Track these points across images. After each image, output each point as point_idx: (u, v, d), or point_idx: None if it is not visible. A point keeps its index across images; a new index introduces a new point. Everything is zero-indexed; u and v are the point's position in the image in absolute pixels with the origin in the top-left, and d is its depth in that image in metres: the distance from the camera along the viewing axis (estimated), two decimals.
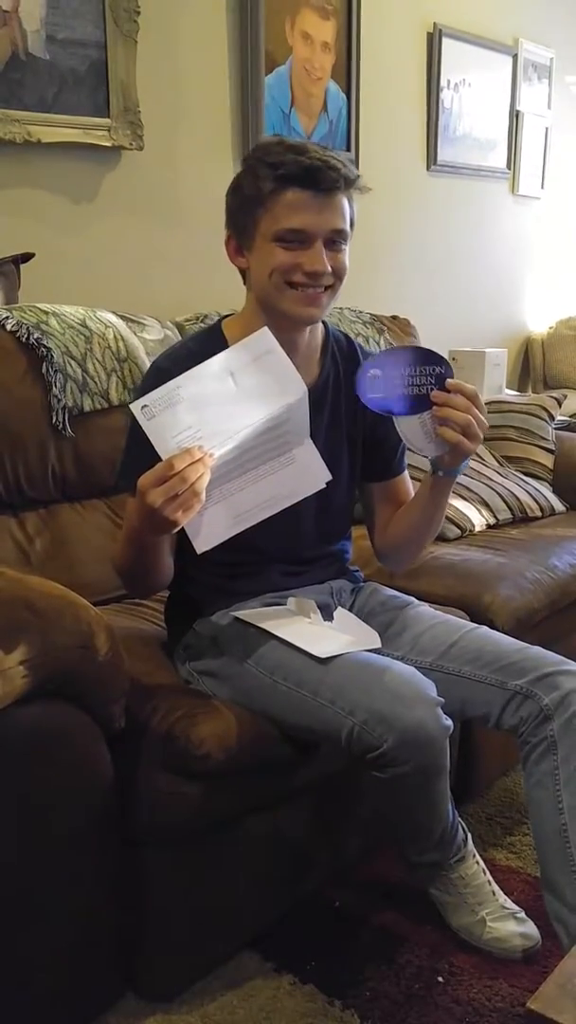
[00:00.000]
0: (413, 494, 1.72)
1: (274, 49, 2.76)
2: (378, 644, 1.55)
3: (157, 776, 1.43)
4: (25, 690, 1.24)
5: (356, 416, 1.66)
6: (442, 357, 1.48)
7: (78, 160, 2.32)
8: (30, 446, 1.90)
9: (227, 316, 1.65)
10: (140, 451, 1.38)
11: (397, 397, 1.46)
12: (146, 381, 1.56)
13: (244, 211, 1.49)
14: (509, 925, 1.65)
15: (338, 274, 1.49)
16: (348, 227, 1.50)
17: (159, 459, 1.33)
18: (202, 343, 1.57)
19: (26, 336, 1.91)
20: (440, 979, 1.60)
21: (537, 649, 1.58)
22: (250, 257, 1.51)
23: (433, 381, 1.46)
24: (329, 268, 1.47)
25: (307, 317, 1.52)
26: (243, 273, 1.56)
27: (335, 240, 1.48)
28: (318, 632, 1.54)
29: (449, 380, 1.46)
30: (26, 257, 2.13)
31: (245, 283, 1.57)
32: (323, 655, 1.45)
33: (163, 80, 2.49)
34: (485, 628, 1.66)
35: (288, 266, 1.46)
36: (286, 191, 1.44)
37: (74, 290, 2.29)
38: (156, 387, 1.37)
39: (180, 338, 2.24)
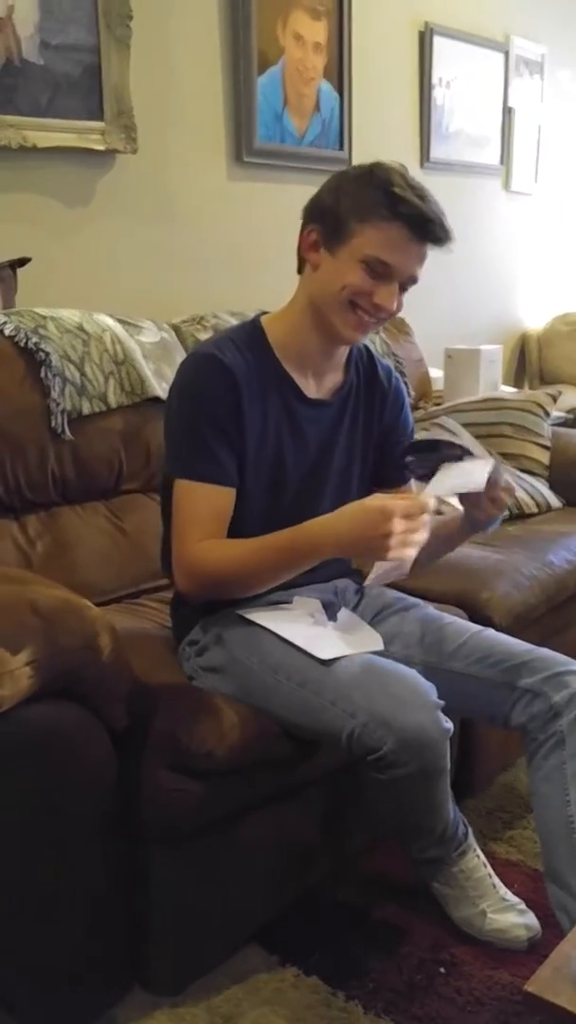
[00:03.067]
0: None
1: (266, 50, 2.77)
2: (380, 647, 1.56)
3: (161, 773, 1.45)
4: (31, 690, 1.26)
5: (372, 424, 1.72)
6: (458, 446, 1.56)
7: (73, 164, 2.34)
8: (30, 450, 1.92)
9: (264, 313, 1.66)
10: (204, 441, 1.50)
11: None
12: (199, 367, 1.54)
13: (345, 217, 1.50)
14: (510, 917, 1.67)
15: (394, 314, 1.56)
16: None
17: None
18: (245, 336, 1.59)
19: (24, 341, 1.92)
20: (442, 970, 1.62)
21: (545, 650, 1.61)
22: (327, 260, 1.53)
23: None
24: (393, 308, 1.54)
25: (351, 341, 1.60)
26: (301, 264, 1.58)
27: (407, 284, 1.54)
28: (321, 633, 1.56)
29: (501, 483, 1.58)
30: (23, 262, 2.14)
31: (300, 273, 1.60)
32: (325, 657, 1.47)
33: (156, 83, 2.51)
34: (492, 630, 1.69)
35: (361, 290, 1.51)
36: (395, 225, 1.48)
37: (71, 294, 2.31)
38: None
39: (176, 340, 2.27)
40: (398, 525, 1.33)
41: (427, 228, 1.48)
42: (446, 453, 1.53)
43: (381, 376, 1.72)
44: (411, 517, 1.35)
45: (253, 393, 1.55)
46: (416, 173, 3.55)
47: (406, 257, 1.50)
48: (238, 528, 1.58)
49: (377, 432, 1.73)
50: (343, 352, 1.67)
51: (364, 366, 1.72)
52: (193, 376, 1.55)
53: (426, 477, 1.53)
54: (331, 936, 1.70)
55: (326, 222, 1.52)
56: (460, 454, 1.53)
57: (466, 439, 1.56)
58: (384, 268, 1.49)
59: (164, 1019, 1.53)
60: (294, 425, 1.61)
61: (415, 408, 2.94)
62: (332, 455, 1.67)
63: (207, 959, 1.62)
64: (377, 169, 1.51)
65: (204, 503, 1.53)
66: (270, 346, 1.60)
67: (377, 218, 1.48)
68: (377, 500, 1.38)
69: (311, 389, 1.63)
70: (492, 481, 1.54)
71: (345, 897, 1.80)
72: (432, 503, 1.41)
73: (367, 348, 1.75)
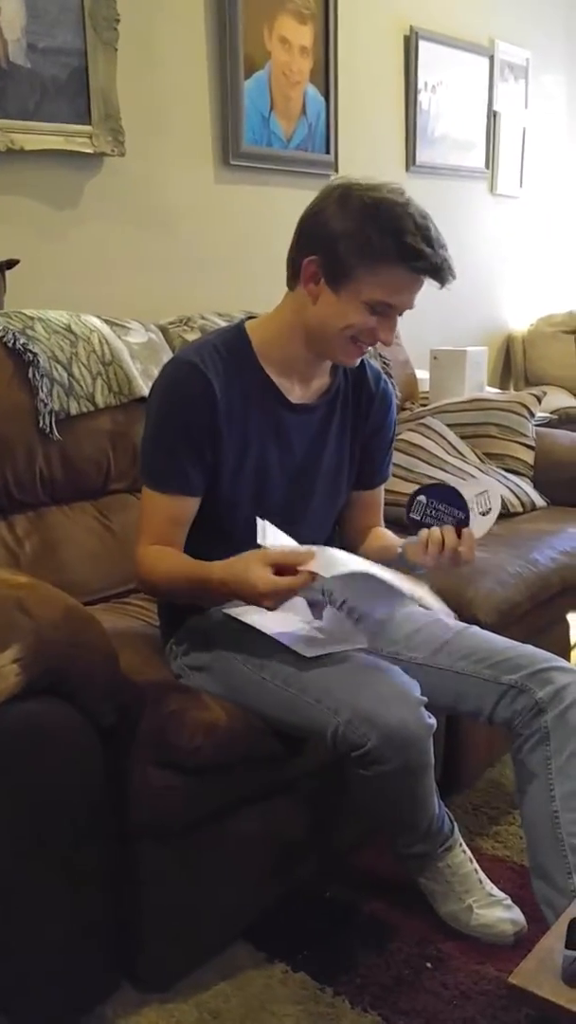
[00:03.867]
0: (382, 505, 1.83)
1: (253, 54, 2.79)
2: (365, 644, 1.58)
3: (149, 770, 1.46)
4: (18, 688, 1.27)
5: (357, 427, 1.74)
6: (465, 504, 1.56)
7: (61, 167, 2.35)
8: (18, 450, 1.93)
9: (250, 318, 1.67)
10: (171, 450, 1.53)
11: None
12: (177, 374, 1.55)
13: (349, 260, 1.47)
14: (496, 912, 1.68)
15: None
16: None
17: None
18: (227, 342, 1.60)
19: (12, 341, 1.93)
20: (428, 965, 1.64)
21: (529, 647, 1.62)
22: (328, 295, 1.51)
23: (454, 524, 1.56)
24: (393, 338, 1.57)
25: (351, 364, 1.64)
26: (292, 280, 1.56)
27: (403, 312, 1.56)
28: (307, 631, 1.57)
29: (467, 534, 1.55)
30: (11, 264, 2.15)
31: (291, 288, 1.57)
32: (309, 655, 1.48)
33: (143, 87, 2.52)
34: (476, 628, 1.71)
35: (367, 329, 1.53)
36: (408, 272, 1.48)
37: (59, 295, 2.32)
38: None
39: (164, 341, 2.28)
40: (264, 599, 1.40)
41: (437, 272, 1.49)
42: (445, 516, 1.56)
43: (369, 378, 1.73)
44: (275, 595, 1.40)
45: (233, 402, 1.56)
46: (401, 177, 3.62)
47: (407, 295, 1.52)
48: (228, 534, 1.60)
49: (361, 434, 1.74)
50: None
51: (351, 368, 1.72)
52: (168, 383, 1.56)
53: (423, 525, 1.57)
54: (319, 932, 1.71)
55: (327, 259, 1.49)
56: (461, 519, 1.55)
57: (478, 489, 1.59)
58: (387, 308, 1.51)
59: (153, 1015, 1.54)
60: (279, 432, 1.63)
61: (401, 409, 2.96)
62: (320, 459, 1.68)
63: (196, 956, 1.63)
64: (383, 206, 1.46)
65: (161, 510, 1.57)
66: (254, 353, 1.60)
67: (385, 266, 1.47)
68: (252, 573, 1.40)
69: (296, 394, 1.64)
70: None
71: (333, 893, 1.81)
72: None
73: None
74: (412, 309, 1.56)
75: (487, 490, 1.60)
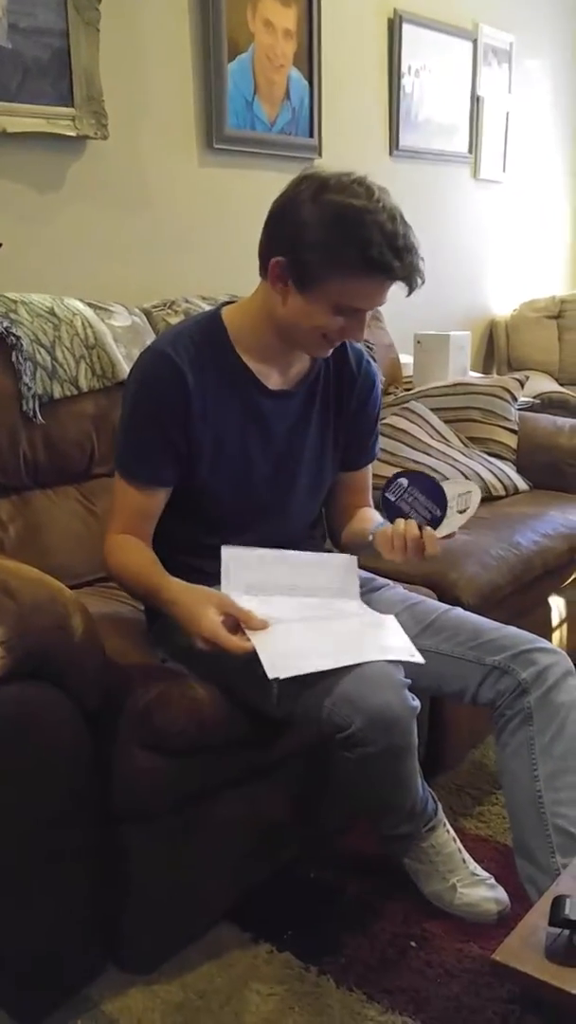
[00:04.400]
0: (370, 485, 1.83)
1: (236, 37, 2.77)
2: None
3: (134, 753, 1.46)
4: (3, 671, 1.27)
5: (341, 410, 1.73)
6: (445, 503, 1.54)
7: (43, 150, 2.33)
8: (1, 434, 1.92)
9: (227, 303, 1.66)
10: (141, 442, 1.54)
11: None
12: (149, 364, 1.56)
13: (315, 267, 1.46)
14: (479, 891, 1.70)
15: None
16: None
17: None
18: (202, 330, 1.59)
19: None
20: (413, 944, 1.65)
21: (513, 628, 1.64)
22: (296, 297, 1.50)
23: (427, 517, 1.54)
24: (363, 335, 1.57)
25: (322, 356, 1.63)
26: (263, 269, 1.53)
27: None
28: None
29: (428, 533, 1.52)
30: None
31: (263, 277, 1.55)
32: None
33: (126, 69, 2.50)
34: (460, 610, 1.72)
35: (335, 331, 1.53)
36: (374, 281, 1.47)
37: (41, 279, 2.30)
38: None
39: (147, 325, 2.27)
40: (200, 640, 1.43)
41: (404, 280, 1.48)
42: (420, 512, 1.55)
43: (351, 359, 1.73)
44: (211, 642, 1.41)
45: (207, 391, 1.56)
46: (385, 162, 3.60)
47: (377, 299, 1.52)
48: (212, 522, 1.61)
49: (346, 415, 1.74)
50: None
51: (334, 349, 1.71)
52: (140, 373, 1.57)
53: (394, 507, 1.56)
54: (304, 913, 1.73)
55: (294, 263, 1.47)
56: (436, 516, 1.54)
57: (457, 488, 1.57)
58: (355, 311, 1.51)
59: (139, 996, 1.55)
60: (258, 419, 1.62)
61: (385, 393, 2.96)
62: (303, 444, 1.68)
63: (181, 937, 1.64)
64: (350, 214, 1.42)
65: (131, 501, 1.58)
66: (229, 340, 1.60)
67: (352, 276, 1.45)
68: (203, 610, 1.43)
69: (274, 381, 1.64)
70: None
71: (317, 875, 1.83)
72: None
73: None
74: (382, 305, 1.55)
75: (471, 491, 1.59)
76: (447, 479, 1.70)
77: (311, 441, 1.69)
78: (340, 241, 1.43)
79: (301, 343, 1.58)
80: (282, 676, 1.38)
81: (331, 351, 1.63)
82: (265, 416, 1.63)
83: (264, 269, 1.53)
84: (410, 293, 1.51)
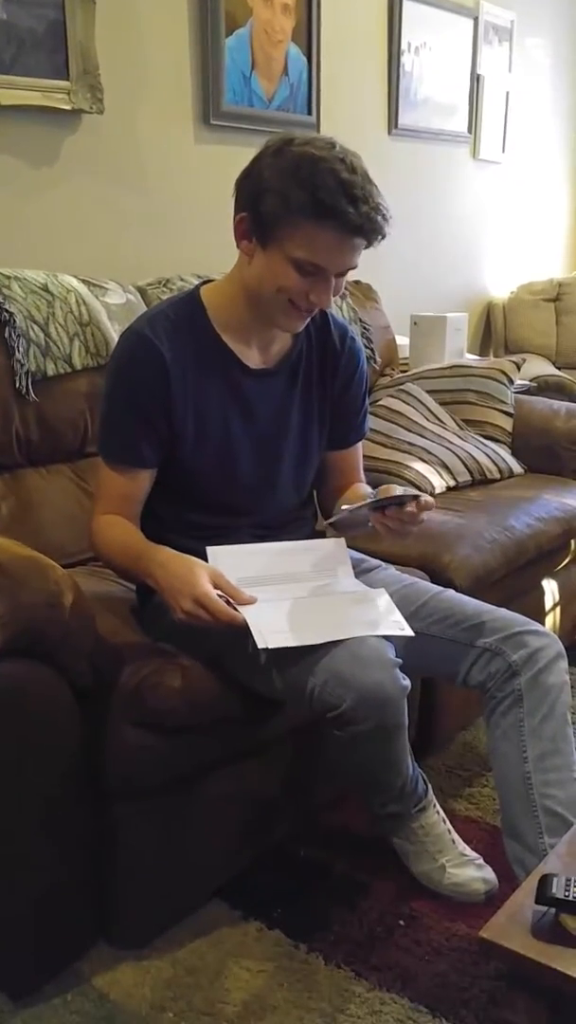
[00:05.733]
0: (361, 463, 1.82)
1: (234, 11, 2.74)
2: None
3: (125, 731, 1.47)
4: None
5: (326, 385, 1.72)
6: (400, 498, 1.50)
7: (38, 123, 2.31)
8: None
9: (206, 282, 1.64)
10: (122, 424, 1.53)
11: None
12: (127, 346, 1.56)
13: (270, 216, 1.44)
14: (468, 871, 1.71)
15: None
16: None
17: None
18: (181, 311, 1.58)
19: None
20: (401, 922, 1.66)
21: (504, 611, 1.64)
22: (259, 253, 1.49)
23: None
24: (331, 303, 1.52)
25: (294, 330, 1.59)
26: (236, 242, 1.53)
27: (345, 273, 1.51)
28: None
29: (421, 502, 1.48)
30: None
31: (239, 263, 1.56)
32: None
33: (123, 42, 2.47)
34: (452, 591, 1.72)
35: (297, 291, 1.49)
36: (326, 230, 1.42)
37: (35, 254, 2.29)
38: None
39: (142, 302, 2.26)
40: (185, 607, 1.40)
41: (362, 229, 1.43)
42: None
43: (334, 336, 1.71)
44: (197, 608, 1.39)
45: (187, 371, 1.55)
46: (384, 140, 3.58)
47: (339, 256, 1.46)
48: (198, 502, 1.60)
49: (331, 392, 1.72)
50: None
51: (317, 326, 1.69)
52: (118, 355, 1.57)
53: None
54: (293, 891, 1.74)
55: (253, 215, 1.46)
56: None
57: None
58: (316, 268, 1.46)
59: (129, 972, 1.55)
60: (239, 398, 1.62)
61: (381, 374, 2.96)
62: (287, 422, 1.67)
63: (172, 913, 1.65)
64: (306, 160, 1.41)
65: (115, 484, 1.58)
66: (208, 319, 1.58)
67: (303, 221, 1.41)
68: (196, 577, 1.41)
69: (255, 359, 1.63)
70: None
71: (307, 853, 1.83)
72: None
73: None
74: (355, 269, 1.51)
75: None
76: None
77: (295, 419, 1.68)
78: (294, 185, 1.41)
79: (271, 313, 1.54)
80: (271, 646, 1.39)
81: (304, 324, 1.58)
82: (247, 396, 1.62)
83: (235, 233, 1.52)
84: (369, 244, 1.47)
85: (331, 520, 1.62)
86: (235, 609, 1.42)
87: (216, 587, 1.42)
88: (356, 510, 1.53)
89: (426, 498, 1.49)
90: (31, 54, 2.23)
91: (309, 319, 1.59)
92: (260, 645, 1.38)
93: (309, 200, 1.40)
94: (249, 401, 1.62)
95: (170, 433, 1.56)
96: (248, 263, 1.52)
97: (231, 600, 1.43)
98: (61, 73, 2.30)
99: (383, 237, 1.46)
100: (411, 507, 1.48)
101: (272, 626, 1.43)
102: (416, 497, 1.48)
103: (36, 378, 1.96)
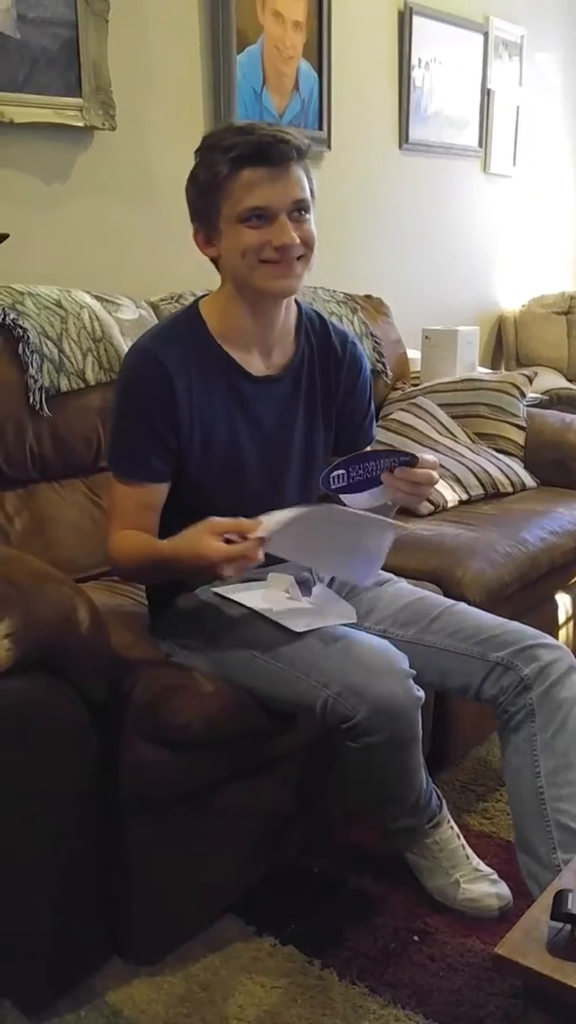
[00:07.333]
0: None
1: (245, 28, 2.76)
2: (354, 619, 1.59)
3: (139, 746, 1.47)
4: (9, 663, 1.27)
5: (329, 393, 1.71)
6: (400, 453, 1.51)
7: (51, 140, 2.33)
8: (8, 427, 1.92)
9: (203, 296, 1.67)
10: (132, 441, 1.53)
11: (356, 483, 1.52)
12: (132, 362, 1.58)
13: (205, 200, 1.51)
14: (483, 886, 1.70)
15: (307, 243, 1.52)
16: (309, 196, 1.52)
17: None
18: (182, 325, 1.61)
19: (1, 317, 1.92)
20: (415, 938, 1.65)
21: (516, 624, 1.63)
22: (219, 245, 1.53)
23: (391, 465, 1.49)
24: (297, 239, 1.49)
25: (285, 289, 1.55)
26: (215, 262, 1.58)
27: (298, 211, 1.50)
28: (295, 607, 1.57)
29: (420, 463, 1.48)
30: (1, 238, 2.13)
31: (219, 270, 1.59)
32: (298, 630, 1.49)
33: (135, 60, 2.49)
34: (464, 604, 1.71)
35: (257, 245, 1.49)
36: (241, 172, 1.46)
37: (49, 271, 2.30)
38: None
39: (155, 318, 2.27)
40: (223, 568, 1.39)
41: (267, 153, 1.45)
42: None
43: (334, 342, 1.71)
44: (228, 561, 1.38)
45: (193, 384, 1.56)
46: (394, 155, 3.60)
47: (270, 190, 1.47)
48: (206, 510, 1.60)
49: (334, 399, 1.72)
50: (285, 322, 1.65)
51: (316, 333, 1.70)
52: (125, 372, 1.58)
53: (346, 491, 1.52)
54: (307, 906, 1.73)
55: (199, 215, 1.54)
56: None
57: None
58: (259, 212, 1.47)
59: (142, 987, 1.55)
60: (245, 407, 1.62)
61: (393, 388, 2.96)
62: (293, 429, 1.68)
63: (185, 929, 1.65)
64: (205, 139, 1.52)
65: (130, 499, 1.58)
66: (208, 331, 1.60)
67: (225, 178, 1.47)
68: (201, 544, 1.40)
69: (257, 367, 1.63)
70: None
71: (321, 868, 1.83)
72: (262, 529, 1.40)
73: (318, 315, 1.74)
74: (298, 199, 1.49)
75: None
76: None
77: (300, 425, 1.68)
78: (204, 163, 1.50)
79: (252, 283, 1.53)
80: (278, 524, 1.39)
81: (290, 279, 1.53)
82: (251, 403, 1.63)
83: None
84: (280, 162, 1.47)
85: (333, 484, 1.52)
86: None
87: (221, 533, 1.40)
88: (353, 464, 1.49)
89: (427, 457, 1.50)
90: (44, 72, 2.25)
91: (295, 275, 1.54)
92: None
93: (216, 155, 1.47)
94: (253, 408, 1.63)
95: (178, 446, 1.57)
96: (220, 260, 1.55)
97: (242, 533, 1.40)
98: (74, 91, 2.32)
99: (301, 150, 1.49)
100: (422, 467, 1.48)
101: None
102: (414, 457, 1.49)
103: (50, 394, 1.97)
